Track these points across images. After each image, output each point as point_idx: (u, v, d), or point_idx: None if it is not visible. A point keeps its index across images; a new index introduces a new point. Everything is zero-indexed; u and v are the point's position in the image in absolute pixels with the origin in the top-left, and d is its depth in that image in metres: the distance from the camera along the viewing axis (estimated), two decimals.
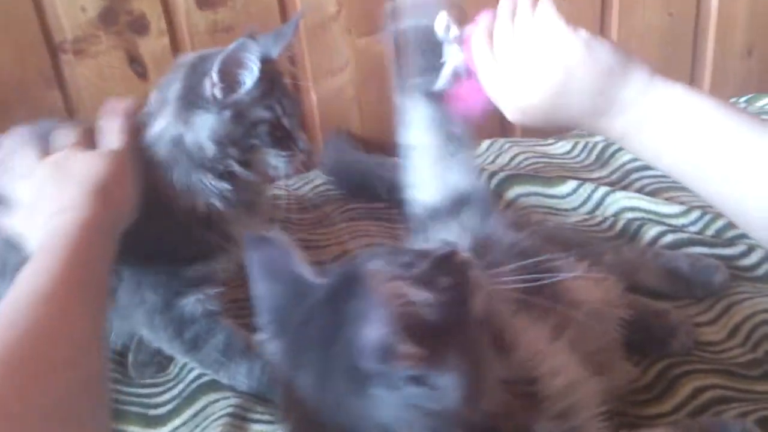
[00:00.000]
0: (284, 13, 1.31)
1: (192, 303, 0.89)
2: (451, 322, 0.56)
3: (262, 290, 0.63)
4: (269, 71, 0.87)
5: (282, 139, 0.89)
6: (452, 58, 0.80)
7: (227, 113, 0.85)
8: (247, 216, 0.91)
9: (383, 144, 1.35)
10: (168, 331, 0.89)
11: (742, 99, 1.42)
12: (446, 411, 0.53)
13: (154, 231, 0.85)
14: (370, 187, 1.23)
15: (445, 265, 0.59)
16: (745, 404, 0.78)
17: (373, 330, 0.51)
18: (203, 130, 0.85)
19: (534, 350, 0.66)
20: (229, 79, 0.84)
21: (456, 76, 0.81)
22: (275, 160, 0.89)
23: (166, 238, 0.88)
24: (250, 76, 0.85)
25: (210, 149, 0.86)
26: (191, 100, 0.85)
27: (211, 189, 0.87)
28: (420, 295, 0.55)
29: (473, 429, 0.55)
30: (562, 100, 0.71)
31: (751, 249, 1.01)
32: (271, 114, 0.87)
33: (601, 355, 0.78)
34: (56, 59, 1.25)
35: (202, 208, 0.88)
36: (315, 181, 1.31)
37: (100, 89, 1.28)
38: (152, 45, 1.28)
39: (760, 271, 0.99)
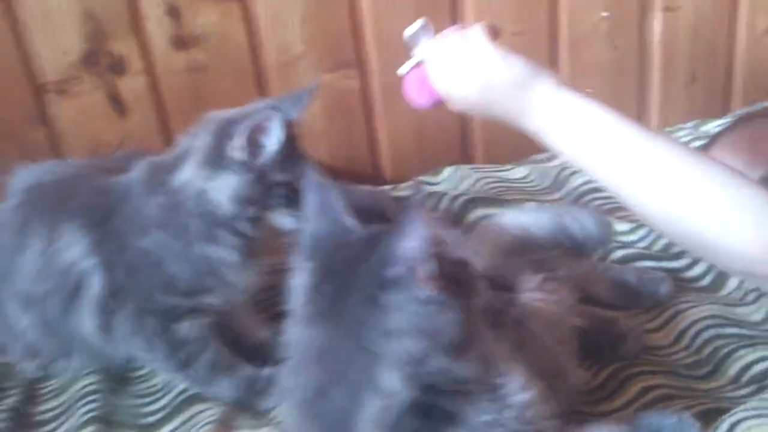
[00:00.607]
0: (254, 53, 1.39)
1: (186, 328, 0.96)
2: (462, 285, 0.65)
3: (307, 225, 0.71)
4: (288, 134, 0.92)
5: (295, 199, 0.92)
6: (419, 53, 0.97)
7: (250, 176, 0.91)
8: (245, 261, 0.97)
9: (349, 172, 1.44)
10: (165, 351, 0.96)
11: (688, 124, 1.52)
12: (438, 338, 0.62)
13: (167, 268, 0.93)
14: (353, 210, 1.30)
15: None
16: (688, 400, 0.86)
17: (411, 241, 0.61)
18: (225, 189, 0.91)
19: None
20: (254, 145, 0.90)
21: (417, 67, 0.97)
22: (287, 218, 0.94)
23: (176, 275, 0.94)
24: (274, 144, 0.91)
25: (229, 208, 0.92)
26: (216, 160, 0.91)
27: (227, 242, 0.94)
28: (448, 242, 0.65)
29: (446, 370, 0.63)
30: (486, 99, 0.88)
31: (695, 262, 1.10)
32: (289, 177, 0.93)
33: (557, 360, 0.85)
34: (40, 99, 1.32)
35: (215, 255, 0.94)
36: None
37: (83, 127, 1.35)
38: (131, 84, 1.34)
39: (704, 282, 1.08)
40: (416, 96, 0.98)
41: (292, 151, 0.94)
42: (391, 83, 1.43)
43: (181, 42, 1.34)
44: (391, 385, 0.61)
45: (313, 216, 0.72)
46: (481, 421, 0.65)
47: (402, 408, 0.62)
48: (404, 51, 1.37)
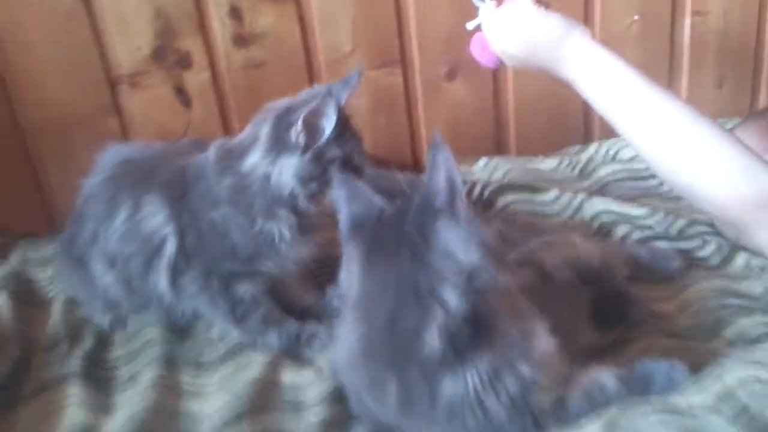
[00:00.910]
0: (307, 52, 1.52)
1: (244, 289, 1.10)
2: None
3: (344, 211, 0.85)
4: (339, 115, 1.04)
5: (352, 171, 1.04)
6: (482, 14, 1.13)
7: (309, 156, 1.03)
8: (298, 237, 1.10)
9: (390, 161, 1.56)
10: (225, 307, 1.10)
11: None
12: (485, 248, 0.76)
13: (233, 238, 1.07)
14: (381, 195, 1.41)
15: None
16: (685, 355, 0.94)
17: (446, 172, 0.76)
18: (288, 169, 1.04)
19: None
20: (311, 128, 1.03)
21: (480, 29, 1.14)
22: None
23: (239, 245, 1.08)
24: (329, 126, 1.03)
25: (292, 186, 1.04)
26: (279, 145, 1.04)
27: (283, 218, 1.07)
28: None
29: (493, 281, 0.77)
30: (531, 53, 1.04)
31: (705, 243, 1.18)
32: (343, 152, 1.05)
33: (572, 320, 0.95)
34: (114, 91, 1.47)
35: (273, 230, 1.07)
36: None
37: (151, 117, 1.50)
38: (196, 78, 1.49)
39: (713, 261, 1.16)
40: (480, 56, 1.14)
41: (344, 129, 1.05)
42: (430, 80, 1.57)
43: (241, 40, 1.49)
44: (453, 299, 0.74)
45: (346, 204, 0.85)
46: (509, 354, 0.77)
47: (460, 320, 0.75)
48: (444, 49, 1.51)
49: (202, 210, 1.08)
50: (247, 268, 1.09)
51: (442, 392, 0.77)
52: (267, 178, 1.05)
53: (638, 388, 0.85)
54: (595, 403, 0.83)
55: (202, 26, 1.46)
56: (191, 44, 1.47)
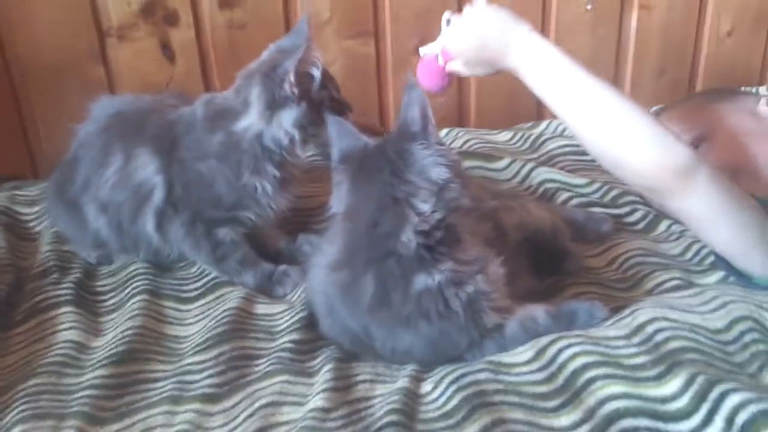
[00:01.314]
0: (287, 17, 1.63)
1: (224, 233, 1.22)
2: None
3: (335, 145, 1.01)
4: None
5: (338, 108, 1.18)
6: (440, 39, 1.21)
7: (303, 104, 1.14)
8: (278, 191, 1.21)
9: (362, 124, 1.67)
10: (207, 248, 1.22)
11: (653, 109, 1.76)
12: (454, 167, 0.95)
13: (218, 189, 1.18)
14: None
15: None
16: (609, 300, 1.09)
17: (417, 106, 0.95)
18: (287, 121, 1.14)
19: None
20: (303, 76, 1.13)
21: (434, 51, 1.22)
22: None
23: (224, 195, 1.19)
24: (317, 70, 1.14)
25: (290, 135, 1.15)
26: (273, 103, 1.14)
27: (268, 174, 1.18)
28: None
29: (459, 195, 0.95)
30: (482, 46, 1.13)
31: (634, 210, 1.34)
32: (327, 92, 1.17)
33: (517, 269, 1.10)
34: (103, 41, 1.57)
35: (257, 184, 1.18)
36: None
37: (136, 68, 1.60)
38: (181, 35, 1.59)
39: (639, 226, 1.32)
40: (425, 81, 1.23)
41: (324, 72, 1.17)
42: (400, 53, 1.69)
43: (226, 2, 1.59)
44: (425, 207, 0.92)
45: (337, 139, 1.01)
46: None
47: (432, 224, 0.92)
48: (415, 24, 1.64)
49: (190, 161, 1.18)
50: (228, 215, 1.21)
51: (414, 284, 0.93)
52: (259, 136, 1.16)
53: (564, 323, 1.00)
54: (528, 332, 0.98)
55: None
56: (179, 3, 1.56)
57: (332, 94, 1.19)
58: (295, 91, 1.13)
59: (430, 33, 1.65)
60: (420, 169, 0.94)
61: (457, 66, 1.20)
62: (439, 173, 0.94)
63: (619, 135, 1.03)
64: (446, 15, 1.21)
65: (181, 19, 1.58)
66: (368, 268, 0.94)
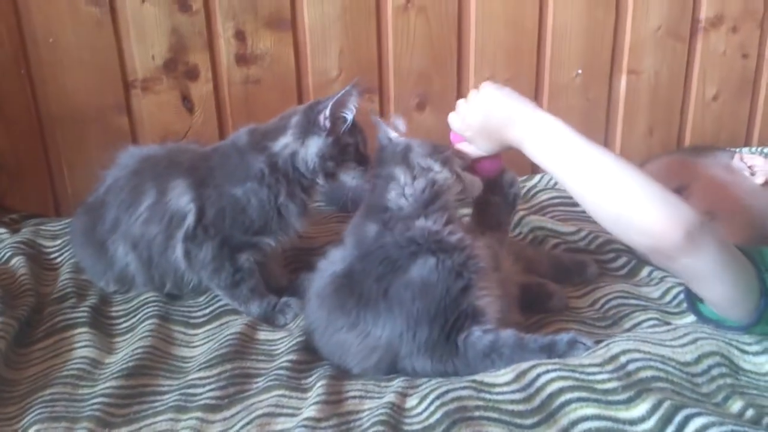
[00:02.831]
0: (299, 74, 1.75)
1: (244, 258, 1.32)
2: None
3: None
4: None
5: (360, 159, 1.30)
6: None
7: (330, 139, 1.26)
8: (301, 216, 1.32)
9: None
10: (228, 271, 1.31)
11: None
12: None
13: (250, 212, 1.28)
14: (353, 203, 1.63)
15: None
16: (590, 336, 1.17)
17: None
18: (313, 147, 1.27)
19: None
20: (335, 115, 1.26)
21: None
22: (353, 172, 1.30)
23: (255, 219, 1.29)
24: (350, 114, 1.27)
25: (313, 161, 1.27)
26: (308, 129, 1.27)
27: (297, 197, 1.30)
28: None
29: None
30: (487, 120, 1.18)
31: (618, 256, 1.43)
32: (354, 140, 1.29)
33: (506, 300, 1.18)
34: (128, 93, 1.69)
35: (289, 207, 1.30)
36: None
37: (158, 118, 1.71)
38: (200, 89, 1.72)
39: (622, 272, 1.41)
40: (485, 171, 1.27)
41: (355, 123, 1.29)
42: (403, 109, 1.81)
43: (243, 59, 1.71)
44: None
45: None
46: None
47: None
48: (417, 84, 1.75)
49: (227, 186, 1.29)
50: (252, 240, 1.30)
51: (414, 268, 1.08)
52: (294, 155, 1.28)
53: (547, 347, 1.08)
54: (516, 345, 1.07)
55: (210, 44, 1.69)
56: (199, 59, 1.69)
57: (358, 145, 1.31)
58: (327, 124, 1.26)
59: (430, 91, 1.79)
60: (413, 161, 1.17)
61: (463, 144, 1.24)
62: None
63: (626, 198, 1.05)
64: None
65: (201, 73, 1.70)
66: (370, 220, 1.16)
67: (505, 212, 1.30)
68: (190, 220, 1.29)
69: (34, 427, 0.99)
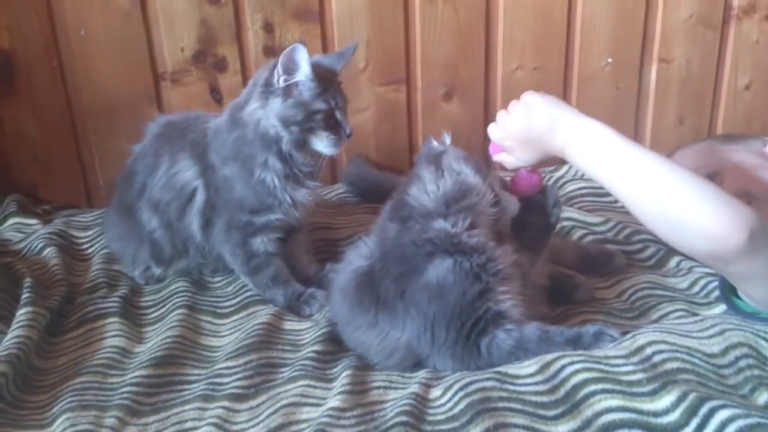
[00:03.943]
0: None
1: (258, 242, 1.32)
2: None
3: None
4: (331, 78, 1.27)
5: (333, 126, 1.26)
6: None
7: (290, 101, 1.23)
8: (298, 185, 1.30)
9: (392, 166, 1.79)
10: (242, 258, 1.32)
11: None
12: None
13: (239, 191, 1.28)
14: (379, 195, 1.64)
15: None
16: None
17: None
18: (272, 111, 1.24)
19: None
20: (288, 72, 1.22)
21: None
22: (326, 140, 1.26)
23: (245, 196, 1.29)
24: (302, 69, 1.21)
25: (275, 127, 1.24)
26: (268, 90, 1.24)
27: (271, 167, 1.28)
28: None
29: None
30: (531, 126, 1.14)
31: (645, 247, 1.42)
32: (327, 106, 1.25)
33: (534, 291, 1.18)
34: (157, 85, 1.71)
35: (268, 178, 1.28)
36: (339, 190, 1.75)
37: (186, 109, 1.69)
38: (229, 80, 1.73)
39: (650, 262, 1.39)
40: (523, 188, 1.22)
41: (329, 87, 1.25)
42: (430, 99, 1.81)
43: (271, 51, 1.72)
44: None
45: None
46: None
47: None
48: (444, 73, 1.74)
49: (218, 166, 1.30)
50: (258, 220, 1.30)
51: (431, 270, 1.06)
52: (258, 122, 1.25)
53: (573, 340, 1.08)
54: (540, 338, 1.06)
55: (239, 36, 1.70)
56: (228, 51, 1.70)
57: (332, 111, 1.26)
58: (281, 83, 1.22)
59: (457, 81, 1.79)
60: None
61: (501, 155, 1.21)
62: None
63: (681, 203, 1.01)
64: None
65: (229, 65, 1.72)
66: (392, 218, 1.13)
67: (543, 235, 1.23)
68: (200, 198, 1.30)
69: (64, 416, 1.02)
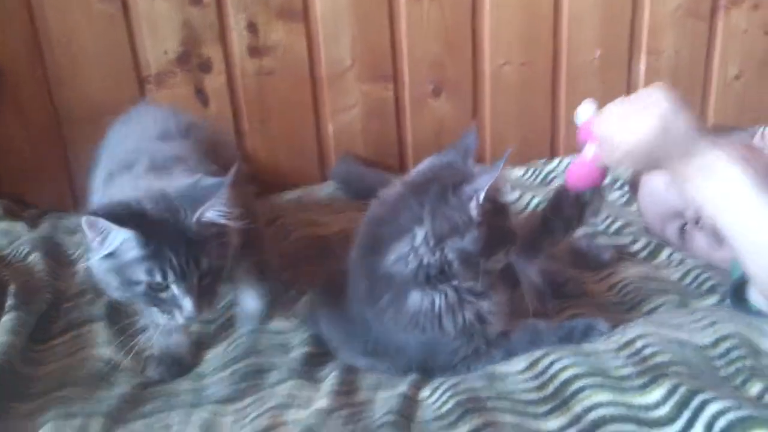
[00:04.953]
0: (312, 64, 1.74)
1: None
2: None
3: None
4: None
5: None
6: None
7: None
8: None
9: (380, 164, 1.78)
10: None
11: None
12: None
13: None
14: (368, 192, 1.63)
15: None
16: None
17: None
18: None
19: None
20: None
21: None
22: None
23: None
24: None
25: None
26: None
27: None
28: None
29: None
30: (657, 144, 0.97)
31: (636, 240, 1.40)
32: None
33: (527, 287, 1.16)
34: (142, 88, 1.69)
35: None
36: (328, 188, 1.73)
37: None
38: (214, 81, 1.72)
39: (642, 255, 1.38)
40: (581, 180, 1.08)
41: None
42: (418, 96, 1.80)
43: (255, 51, 1.71)
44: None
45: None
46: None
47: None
48: (431, 70, 1.73)
49: None
50: None
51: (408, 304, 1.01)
52: None
53: (564, 337, 1.07)
54: (530, 342, 1.05)
55: (223, 37, 1.69)
56: (212, 51, 1.69)
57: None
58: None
59: (444, 78, 1.78)
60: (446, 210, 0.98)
61: (593, 148, 1.05)
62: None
63: None
64: (587, 105, 1.07)
65: (214, 66, 1.70)
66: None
67: (556, 236, 1.14)
68: None
69: (50, 424, 1.00)
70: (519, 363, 1.02)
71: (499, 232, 1.01)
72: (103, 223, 0.90)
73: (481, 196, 0.97)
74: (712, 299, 1.20)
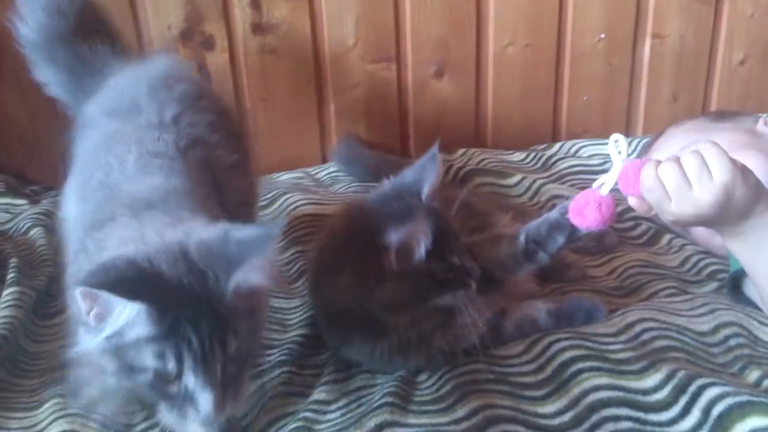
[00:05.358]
0: (315, 43, 1.73)
1: None
2: None
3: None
4: None
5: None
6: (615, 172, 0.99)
7: None
8: None
9: (382, 145, 1.77)
10: None
11: None
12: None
13: None
14: (371, 173, 1.63)
15: None
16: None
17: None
18: None
19: None
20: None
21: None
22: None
23: None
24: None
25: None
26: None
27: None
28: None
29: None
30: (720, 211, 0.92)
31: (637, 225, 1.40)
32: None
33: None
34: None
35: None
36: (330, 168, 1.73)
37: None
38: (216, 58, 1.70)
39: (642, 240, 1.38)
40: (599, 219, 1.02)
41: None
42: (420, 77, 1.79)
43: (258, 29, 1.69)
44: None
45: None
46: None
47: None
48: (435, 51, 1.72)
49: None
50: None
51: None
52: None
53: (564, 322, 1.07)
54: (525, 334, 1.06)
55: (226, 14, 1.67)
56: (215, 29, 1.68)
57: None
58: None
59: (448, 59, 1.76)
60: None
61: (637, 201, 1.00)
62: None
63: None
64: (617, 139, 0.98)
65: (217, 43, 1.69)
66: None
67: (532, 266, 1.12)
68: None
69: (54, 399, 1.01)
70: (517, 346, 1.02)
71: (437, 276, 0.96)
72: (107, 296, 0.70)
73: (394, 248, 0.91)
74: (712, 285, 1.20)
